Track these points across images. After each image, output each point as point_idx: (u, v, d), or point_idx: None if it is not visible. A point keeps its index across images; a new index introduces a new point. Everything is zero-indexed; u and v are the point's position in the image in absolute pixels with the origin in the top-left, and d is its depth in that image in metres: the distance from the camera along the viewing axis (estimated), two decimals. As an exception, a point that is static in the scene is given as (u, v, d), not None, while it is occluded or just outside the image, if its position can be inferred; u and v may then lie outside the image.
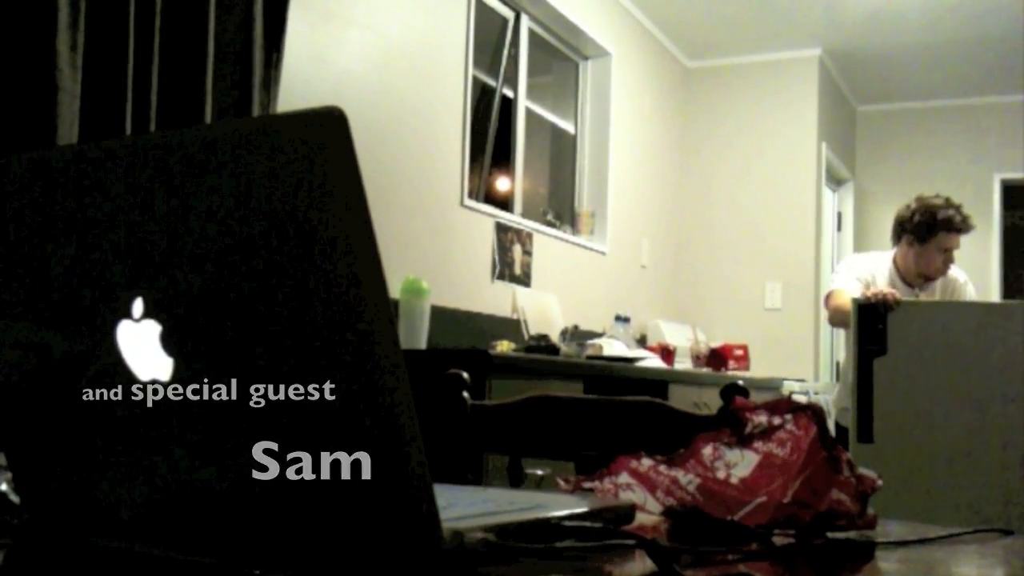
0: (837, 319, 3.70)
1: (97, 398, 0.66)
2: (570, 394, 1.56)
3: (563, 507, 0.73)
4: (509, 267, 4.27)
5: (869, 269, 3.61)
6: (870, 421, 3.05)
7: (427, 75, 3.78)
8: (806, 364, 5.81)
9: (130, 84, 2.39)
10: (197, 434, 0.62)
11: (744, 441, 0.90)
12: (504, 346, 3.46)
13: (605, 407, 1.46)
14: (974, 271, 3.98)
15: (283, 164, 0.54)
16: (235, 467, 0.61)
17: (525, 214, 4.59)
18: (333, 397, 0.55)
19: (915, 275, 3.58)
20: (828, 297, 3.72)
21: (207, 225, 0.58)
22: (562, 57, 5.18)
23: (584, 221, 5.11)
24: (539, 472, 2.56)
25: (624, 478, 0.92)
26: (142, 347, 0.62)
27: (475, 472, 1.62)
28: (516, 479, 1.53)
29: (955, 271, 3.68)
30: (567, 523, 0.68)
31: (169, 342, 0.61)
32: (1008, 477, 2.83)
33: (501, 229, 4.23)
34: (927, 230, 3.50)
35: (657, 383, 3.86)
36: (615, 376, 3.54)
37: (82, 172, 0.64)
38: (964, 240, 3.90)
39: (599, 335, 4.42)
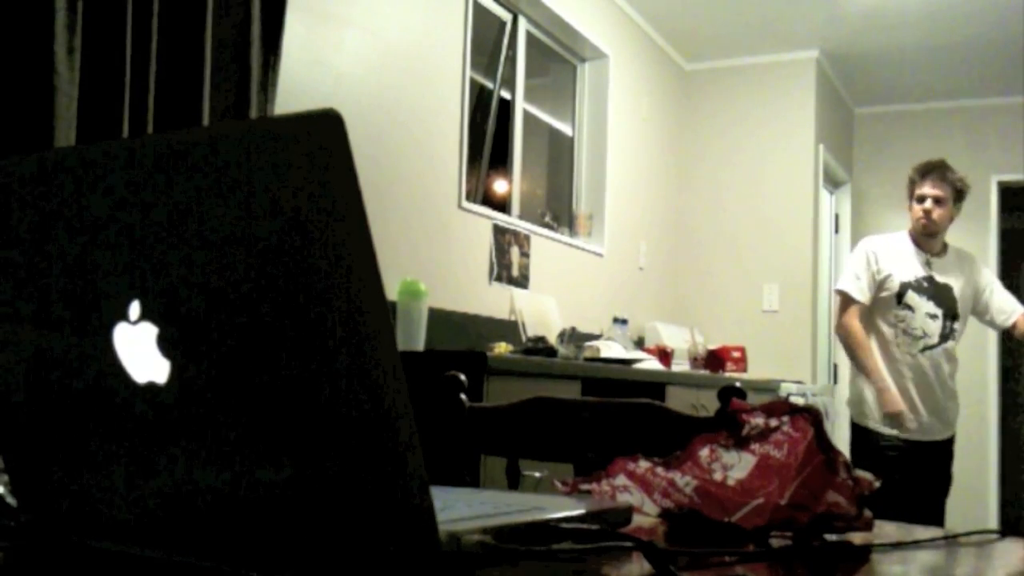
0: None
1: (94, 400, 0.66)
2: (568, 396, 1.56)
3: (560, 509, 0.73)
4: (507, 269, 4.27)
5: (879, 252, 3.71)
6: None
7: (425, 77, 3.78)
8: (804, 366, 5.81)
9: (127, 86, 2.39)
10: (194, 437, 0.62)
11: (741, 443, 0.90)
12: (502, 348, 3.45)
13: (602, 409, 1.46)
14: (971, 273, 3.99)
15: (280, 166, 0.54)
16: (232, 470, 0.61)
17: (523, 216, 4.59)
18: (330, 399, 0.55)
19: (920, 235, 3.70)
20: (839, 300, 3.82)
21: (204, 227, 0.58)
22: (560, 59, 5.19)
23: (582, 223, 5.11)
24: (536, 474, 2.56)
25: (621, 480, 0.92)
26: (139, 349, 0.62)
27: (472, 474, 1.62)
28: (514, 481, 1.53)
29: (963, 252, 3.81)
30: (564, 525, 0.68)
31: (166, 344, 0.61)
32: None
33: (499, 231, 4.23)
34: (909, 185, 3.74)
35: (655, 385, 3.86)
36: (613, 378, 3.54)
37: (79, 174, 0.64)
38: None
39: (597, 337, 4.42)
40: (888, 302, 3.66)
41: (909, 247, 3.71)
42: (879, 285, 3.69)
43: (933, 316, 3.64)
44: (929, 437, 3.70)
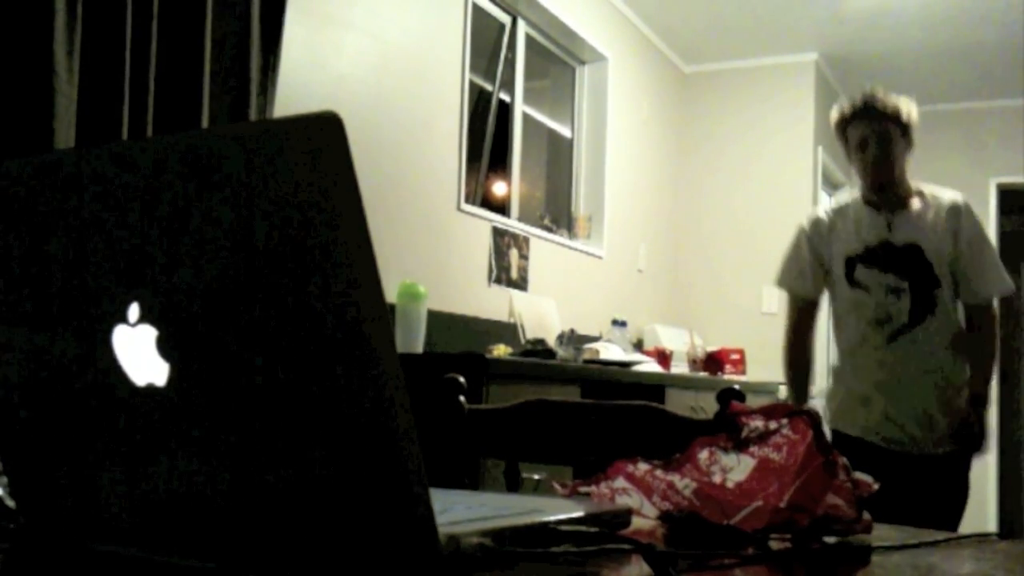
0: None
1: (93, 402, 0.66)
2: (567, 398, 1.56)
3: (560, 511, 0.73)
4: (506, 271, 4.27)
5: (818, 228, 2.99)
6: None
7: (424, 80, 3.78)
8: (803, 368, 5.80)
9: (127, 88, 2.39)
10: (193, 439, 0.62)
11: (740, 445, 0.90)
12: (501, 350, 3.45)
13: (602, 411, 1.46)
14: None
15: (280, 168, 0.54)
16: (231, 472, 0.61)
17: (522, 218, 4.59)
18: (330, 402, 0.55)
19: (869, 190, 2.89)
20: (787, 301, 3.13)
21: (203, 229, 0.58)
22: (559, 62, 5.19)
23: (581, 225, 5.12)
24: (536, 476, 2.56)
25: (620, 482, 0.92)
26: (138, 352, 0.62)
27: (472, 476, 1.62)
28: (513, 483, 1.53)
29: (945, 195, 2.90)
30: (564, 527, 0.68)
31: (165, 347, 0.61)
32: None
33: (498, 233, 4.23)
34: (839, 132, 2.93)
35: (654, 387, 3.86)
36: (612, 380, 3.54)
37: (79, 176, 0.64)
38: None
39: (596, 339, 4.42)
40: (841, 285, 2.87)
41: (863, 213, 2.88)
42: (827, 269, 2.94)
43: (896, 290, 2.77)
44: (917, 450, 2.79)
